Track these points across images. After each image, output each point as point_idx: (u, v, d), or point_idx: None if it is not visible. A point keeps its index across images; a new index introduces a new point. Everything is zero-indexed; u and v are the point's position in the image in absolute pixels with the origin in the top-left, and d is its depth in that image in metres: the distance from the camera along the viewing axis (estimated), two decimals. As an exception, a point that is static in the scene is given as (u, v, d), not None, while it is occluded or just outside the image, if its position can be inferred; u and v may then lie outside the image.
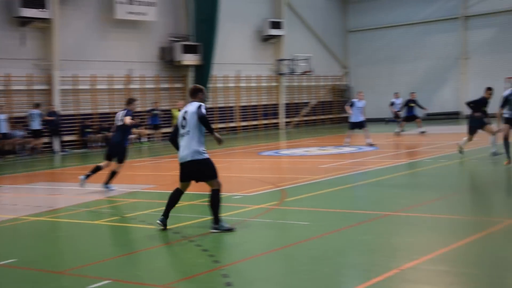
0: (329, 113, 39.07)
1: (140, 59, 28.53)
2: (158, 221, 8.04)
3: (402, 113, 25.18)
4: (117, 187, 12.37)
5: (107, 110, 26.69)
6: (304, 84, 37.47)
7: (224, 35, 31.44)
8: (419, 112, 25.79)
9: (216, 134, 7.93)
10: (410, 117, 24.83)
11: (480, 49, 35.72)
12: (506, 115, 12.99)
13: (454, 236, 6.96)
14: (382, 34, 38.97)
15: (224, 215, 9.06)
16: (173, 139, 8.14)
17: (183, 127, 7.89)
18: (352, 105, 20.21)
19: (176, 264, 6.50)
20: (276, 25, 34.12)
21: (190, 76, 30.33)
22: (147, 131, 27.68)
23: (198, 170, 7.83)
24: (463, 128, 28.29)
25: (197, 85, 8.42)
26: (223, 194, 10.84)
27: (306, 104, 37.71)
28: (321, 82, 38.49)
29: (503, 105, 12.95)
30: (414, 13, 37.65)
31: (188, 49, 29.20)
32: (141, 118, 28.12)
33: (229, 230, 7.78)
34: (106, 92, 27.17)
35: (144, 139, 27.61)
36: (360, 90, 22.14)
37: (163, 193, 11.74)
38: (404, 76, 38.23)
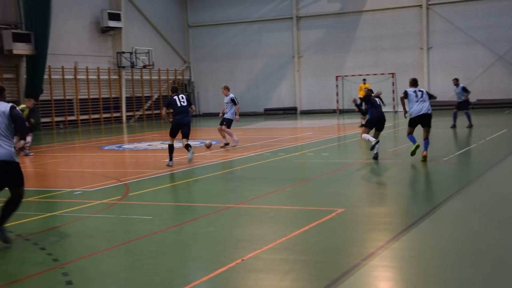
0: (171, 107, 38.93)
1: (-36, 46, 26.29)
2: None
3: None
4: None
5: None
6: (146, 77, 36.98)
7: (58, 24, 30.04)
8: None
9: (22, 142, 7.16)
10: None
11: (311, 48, 37.79)
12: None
13: (292, 226, 7.30)
14: (221, 30, 39.64)
15: (64, 211, 8.72)
16: None
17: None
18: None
19: (11, 265, 6.09)
20: (114, 16, 33.26)
21: (23, 66, 28.54)
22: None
23: (11, 172, 6.93)
24: (301, 122, 29.93)
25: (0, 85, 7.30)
26: (63, 189, 10.38)
27: (148, 98, 37.26)
28: (162, 76, 38.25)
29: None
30: (251, 11, 38.81)
31: (19, 38, 27.35)
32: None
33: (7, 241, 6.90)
34: None
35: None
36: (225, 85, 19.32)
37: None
38: (243, 72, 39.31)
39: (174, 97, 13.67)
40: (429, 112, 13.16)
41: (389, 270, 5.59)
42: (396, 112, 34.36)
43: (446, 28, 34.31)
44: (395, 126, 24.10)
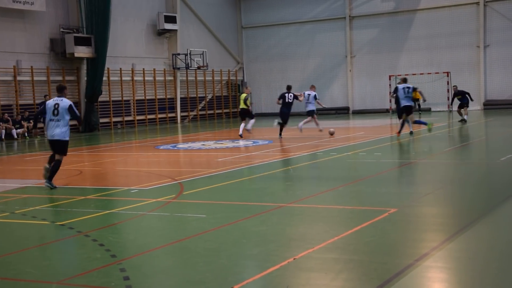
0: (225, 107, 39.27)
1: (29, 50, 27.24)
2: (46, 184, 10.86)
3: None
4: (7, 182, 11.77)
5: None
6: (200, 78, 37.41)
7: (117, 28, 30.78)
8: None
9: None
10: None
11: (364, 48, 37.35)
12: None
13: (344, 225, 7.24)
14: (274, 31, 39.68)
15: (121, 209, 8.93)
16: (37, 116, 12.46)
17: (55, 115, 10.96)
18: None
19: (71, 260, 6.27)
20: (170, 19, 33.78)
21: (83, 68, 29.37)
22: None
23: (60, 145, 11.08)
24: (353, 122, 29.62)
25: (62, 83, 11.44)
26: (120, 188, 10.67)
27: (202, 98, 37.67)
28: (216, 76, 38.59)
29: None
30: (304, 12, 38.68)
31: (80, 41, 28.22)
32: (31, 112, 26.89)
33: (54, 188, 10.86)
34: (-7, 83, 25.75)
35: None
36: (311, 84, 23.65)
37: (57, 188, 11.29)
38: (296, 72, 39.22)
39: (285, 94, 20.50)
40: (410, 104, 18.28)
41: (443, 271, 5.46)
42: (450, 111, 33.57)
43: (504, 25, 33.29)
44: (449, 126, 23.54)
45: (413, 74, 34.86)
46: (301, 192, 9.82)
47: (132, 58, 32.42)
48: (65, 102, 10.97)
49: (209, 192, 10.14)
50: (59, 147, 11.06)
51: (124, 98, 32.06)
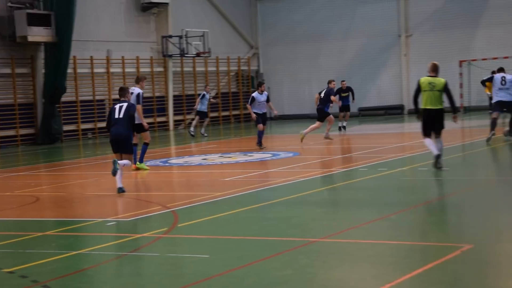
0: (233, 108, 39.17)
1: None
2: None
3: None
4: None
5: None
6: (200, 69, 37.47)
7: (86, 2, 30.80)
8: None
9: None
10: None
11: (425, 24, 37.20)
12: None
13: (399, 268, 7.20)
14: (300, 3, 39.61)
15: (93, 248, 8.96)
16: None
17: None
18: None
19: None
20: (159, -11, 33.89)
21: (40, 57, 29.39)
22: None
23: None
24: (410, 126, 29.53)
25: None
26: (92, 220, 10.71)
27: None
28: (222, 67, 38.62)
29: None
30: (342, -23, 38.66)
31: (35, 20, 28.06)
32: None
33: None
34: None
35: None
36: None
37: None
38: (330, 60, 39.07)
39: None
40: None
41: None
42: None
43: None
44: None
45: (494, 58, 34.54)
46: (339, 222, 9.80)
47: (107, 42, 32.54)
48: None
49: (213, 223, 10.15)
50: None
51: (97, 98, 32.21)
